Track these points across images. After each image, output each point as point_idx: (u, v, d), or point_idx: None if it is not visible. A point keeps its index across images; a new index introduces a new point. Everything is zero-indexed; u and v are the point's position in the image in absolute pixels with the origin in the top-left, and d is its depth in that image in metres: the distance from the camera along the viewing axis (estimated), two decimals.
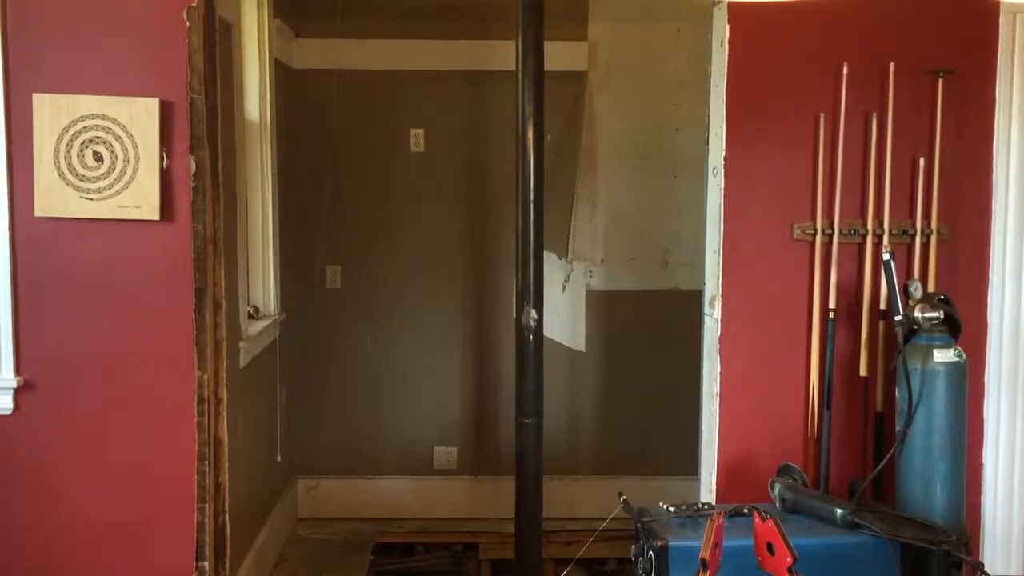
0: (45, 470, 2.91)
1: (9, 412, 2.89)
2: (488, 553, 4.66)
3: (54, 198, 2.82)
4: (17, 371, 2.88)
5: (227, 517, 3.01)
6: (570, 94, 4.82)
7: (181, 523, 2.90)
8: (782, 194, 3.07)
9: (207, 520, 2.90)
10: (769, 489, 2.84)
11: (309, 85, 4.79)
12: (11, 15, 2.81)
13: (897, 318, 2.85)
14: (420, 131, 4.85)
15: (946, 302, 2.88)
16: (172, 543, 2.91)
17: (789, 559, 1.87)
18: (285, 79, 4.59)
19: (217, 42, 2.96)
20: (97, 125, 2.81)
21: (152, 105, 2.82)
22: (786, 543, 1.87)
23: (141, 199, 2.83)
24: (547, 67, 3.85)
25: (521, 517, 4.06)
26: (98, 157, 2.81)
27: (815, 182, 3.05)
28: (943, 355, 2.80)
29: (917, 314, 2.83)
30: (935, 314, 2.82)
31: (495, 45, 4.59)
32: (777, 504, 2.80)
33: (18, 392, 2.88)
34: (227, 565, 3.02)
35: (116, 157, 2.82)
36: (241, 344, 3.67)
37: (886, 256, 2.88)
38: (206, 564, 2.90)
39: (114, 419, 2.92)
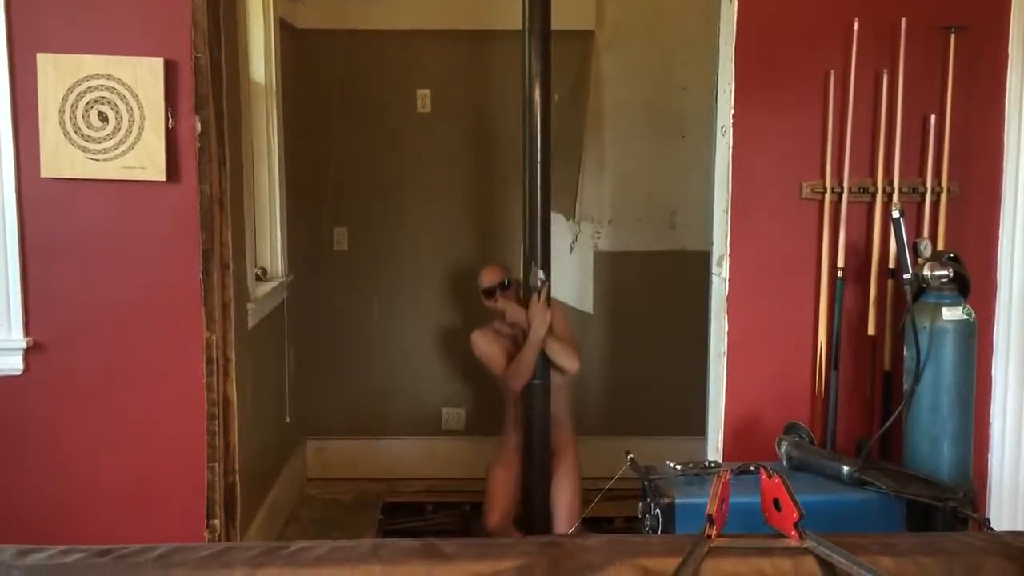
0: (55, 430, 2.93)
1: (19, 372, 2.91)
2: None
3: (60, 159, 2.82)
4: (26, 332, 2.89)
5: (237, 476, 3.03)
6: (577, 53, 4.78)
7: (192, 482, 2.92)
8: (791, 152, 3.04)
9: (217, 479, 2.92)
10: (776, 447, 2.84)
11: (314, 45, 4.75)
12: None
13: (906, 276, 2.83)
14: (427, 92, 4.82)
15: (955, 260, 2.86)
16: (183, 502, 2.93)
17: (795, 515, 1.86)
18: (290, 39, 4.55)
19: (221, 1, 2.93)
20: (102, 85, 2.79)
21: (156, 65, 2.80)
22: (792, 499, 1.87)
23: (146, 159, 2.82)
24: (554, 26, 3.82)
25: (528, 477, 4.08)
26: (103, 117, 2.80)
27: (824, 140, 3.02)
28: (952, 313, 2.78)
29: (926, 272, 2.81)
30: (944, 272, 2.80)
31: (502, 4, 4.53)
32: (784, 462, 2.80)
33: (27, 353, 2.90)
34: (238, 523, 3.04)
35: (121, 117, 2.80)
36: (249, 305, 3.68)
37: (895, 214, 2.85)
38: (217, 522, 2.93)
39: (123, 380, 2.93)
